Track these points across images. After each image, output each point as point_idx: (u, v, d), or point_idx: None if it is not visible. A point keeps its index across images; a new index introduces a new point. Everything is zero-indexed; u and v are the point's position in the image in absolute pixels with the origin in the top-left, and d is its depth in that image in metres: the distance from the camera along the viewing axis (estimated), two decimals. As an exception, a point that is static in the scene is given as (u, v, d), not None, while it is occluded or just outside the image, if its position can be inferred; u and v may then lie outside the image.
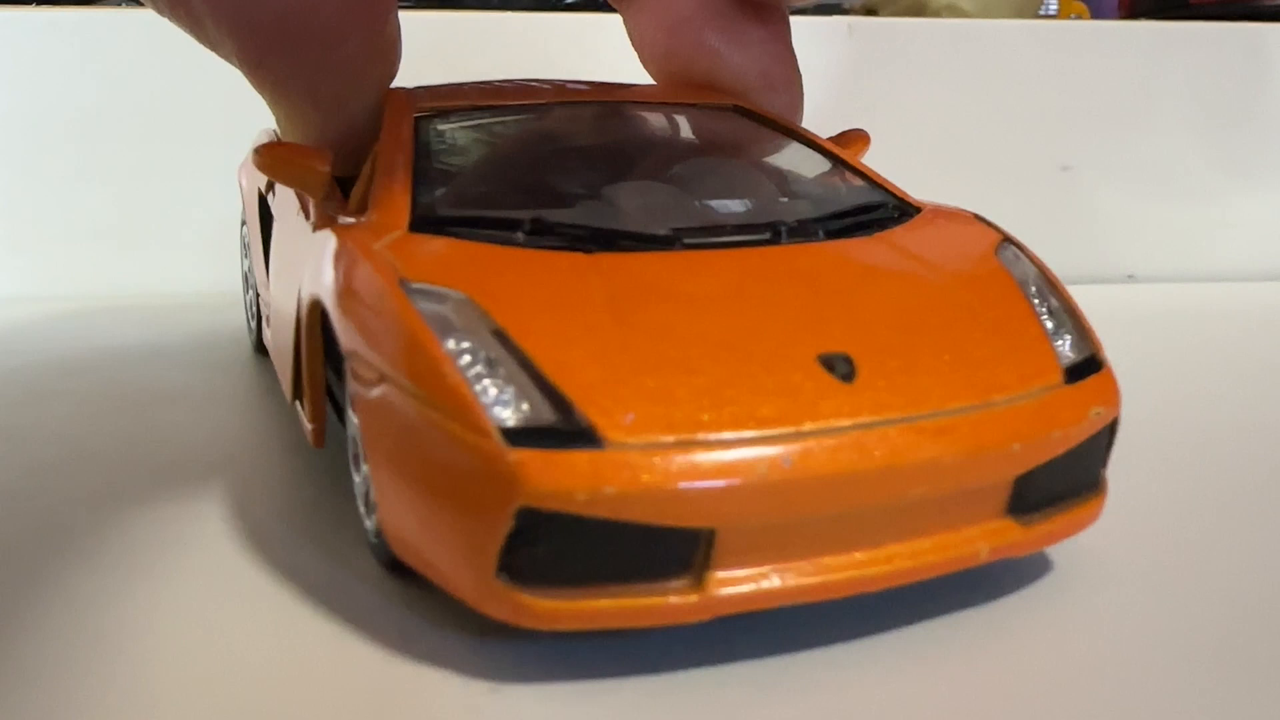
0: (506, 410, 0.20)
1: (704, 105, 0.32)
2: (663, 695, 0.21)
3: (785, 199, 0.28)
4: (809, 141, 0.32)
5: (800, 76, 0.33)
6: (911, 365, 0.23)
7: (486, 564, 0.20)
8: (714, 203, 0.27)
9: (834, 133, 0.34)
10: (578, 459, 0.20)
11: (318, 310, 0.26)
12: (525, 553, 0.20)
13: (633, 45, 0.34)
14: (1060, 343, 0.25)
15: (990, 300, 0.25)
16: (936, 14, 0.65)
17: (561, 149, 0.30)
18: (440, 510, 0.21)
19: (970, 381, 0.23)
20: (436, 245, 0.24)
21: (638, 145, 0.31)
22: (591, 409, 0.20)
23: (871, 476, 0.21)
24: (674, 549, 0.20)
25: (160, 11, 0.28)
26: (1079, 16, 0.78)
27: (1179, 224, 0.63)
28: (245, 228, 0.43)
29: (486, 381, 0.21)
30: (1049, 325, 0.25)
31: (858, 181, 0.30)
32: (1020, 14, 0.68)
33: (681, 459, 0.20)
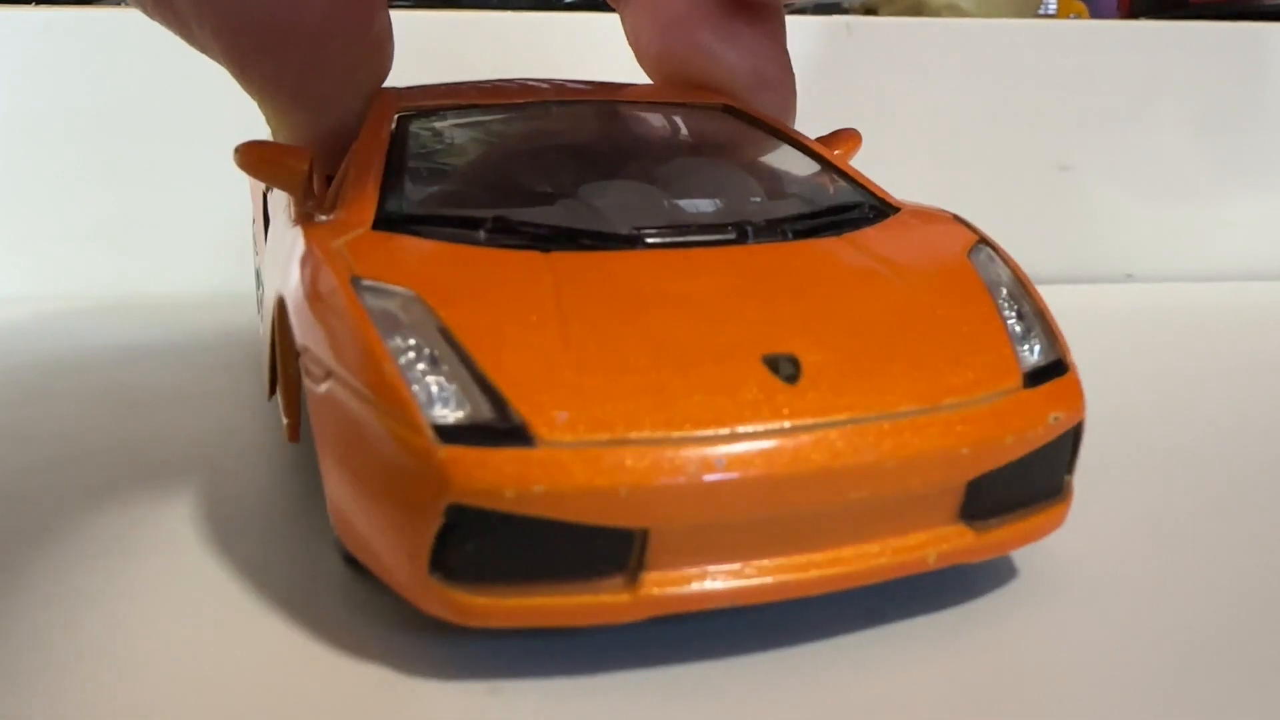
0: (447, 407, 0.20)
1: (691, 105, 0.32)
2: (663, 694, 0.21)
3: (758, 199, 0.28)
4: (794, 141, 0.31)
5: (793, 77, 0.33)
6: (860, 367, 0.22)
7: (420, 560, 0.20)
8: (683, 202, 0.27)
9: (830, 132, 0.33)
10: (507, 457, 0.20)
11: (284, 306, 0.26)
12: (457, 550, 0.20)
13: (629, 44, 0.34)
14: (1025, 347, 0.24)
15: (954, 302, 0.25)
16: (936, 13, 0.64)
17: (540, 148, 0.30)
18: (379, 506, 0.21)
19: (921, 385, 0.22)
20: (395, 244, 0.25)
21: (618, 144, 0.31)
22: (525, 407, 0.20)
23: (808, 478, 0.21)
24: (607, 548, 0.20)
25: (146, 12, 0.28)
26: (1078, 16, 0.77)
27: (1178, 223, 0.62)
28: (255, 225, 0.44)
29: (429, 379, 0.21)
30: (1016, 329, 0.25)
31: (839, 182, 0.30)
32: (1019, 13, 0.67)
33: (612, 458, 0.20)
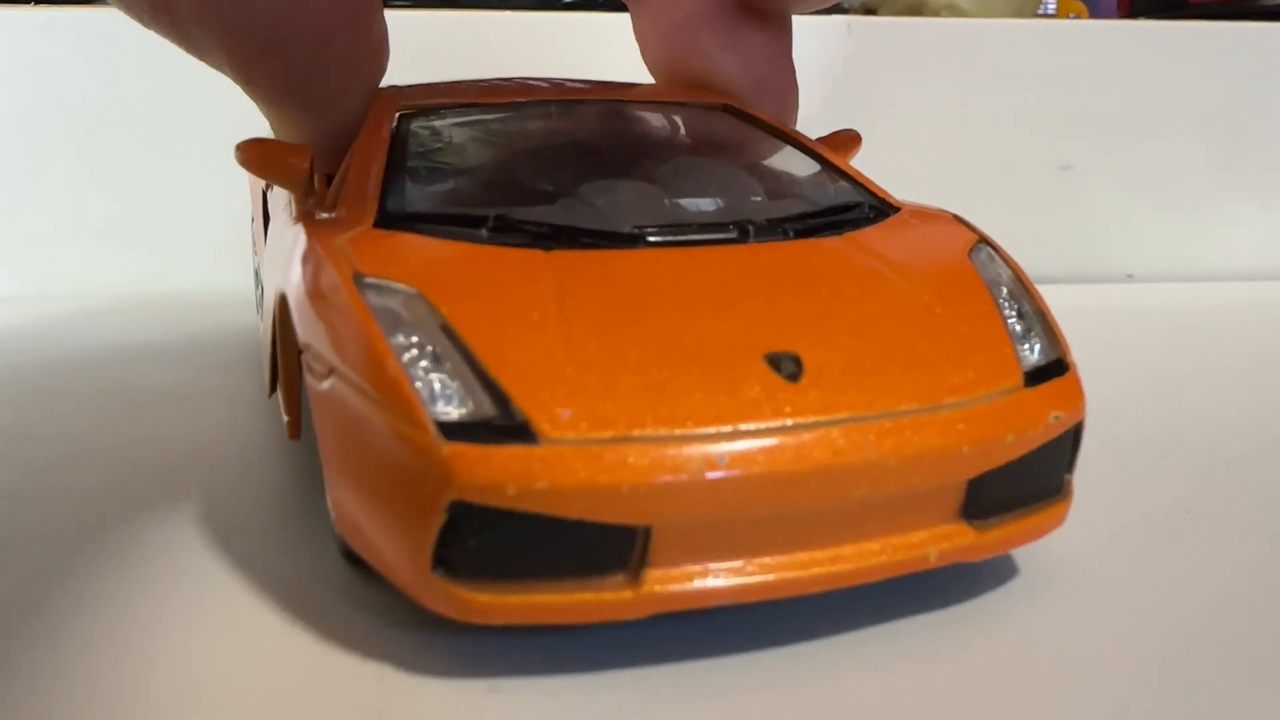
0: (449, 405, 0.20)
1: (692, 104, 0.32)
2: (664, 692, 0.21)
3: (758, 198, 0.28)
4: (795, 141, 0.31)
5: (795, 83, 0.33)
6: (861, 366, 0.22)
7: (423, 557, 0.20)
8: (685, 201, 0.27)
9: (830, 133, 0.33)
10: (510, 453, 0.20)
11: (286, 304, 0.26)
12: (460, 547, 0.20)
13: (637, 45, 0.34)
14: (1025, 346, 0.24)
15: (955, 302, 0.25)
16: (935, 13, 0.64)
17: (542, 147, 0.30)
18: (382, 502, 0.21)
19: (921, 383, 0.22)
20: (397, 241, 0.25)
21: (619, 144, 0.31)
22: (528, 404, 0.20)
23: (810, 477, 0.21)
24: (609, 545, 0.20)
25: (143, 21, 0.28)
26: (1078, 16, 0.77)
27: (1178, 223, 0.62)
28: (255, 224, 0.44)
29: (432, 376, 0.21)
30: (1017, 329, 0.25)
31: (839, 181, 0.30)
32: (1019, 13, 0.67)
33: (615, 456, 0.20)
